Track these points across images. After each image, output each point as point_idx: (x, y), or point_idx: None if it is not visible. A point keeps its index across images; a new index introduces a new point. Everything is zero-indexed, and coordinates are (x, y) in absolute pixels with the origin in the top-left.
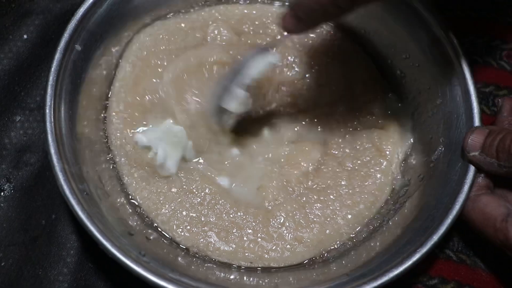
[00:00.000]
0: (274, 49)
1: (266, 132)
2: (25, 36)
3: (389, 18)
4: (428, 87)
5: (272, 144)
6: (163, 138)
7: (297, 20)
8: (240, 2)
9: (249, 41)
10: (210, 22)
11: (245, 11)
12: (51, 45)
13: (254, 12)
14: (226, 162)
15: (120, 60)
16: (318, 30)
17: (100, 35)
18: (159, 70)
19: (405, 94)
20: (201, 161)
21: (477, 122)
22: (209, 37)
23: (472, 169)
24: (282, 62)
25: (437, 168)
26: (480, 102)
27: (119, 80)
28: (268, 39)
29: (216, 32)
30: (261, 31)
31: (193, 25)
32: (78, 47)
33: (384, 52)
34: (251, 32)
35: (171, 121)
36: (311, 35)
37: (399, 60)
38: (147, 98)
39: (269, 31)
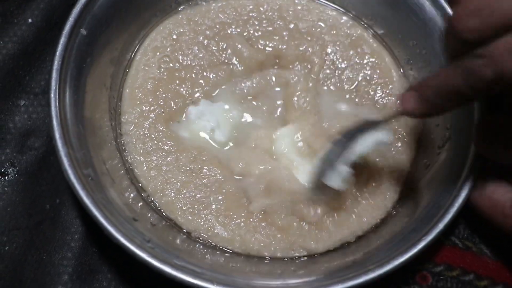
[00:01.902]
0: (386, 124)
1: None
2: (29, 20)
3: (398, 5)
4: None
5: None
6: (214, 112)
7: (423, 102)
8: None
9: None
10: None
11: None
12: (56, 29)
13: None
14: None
15: (130, 53)
16: (326, 19)
17: (105, 19)
18: (178, 56)
19: (412, 82)
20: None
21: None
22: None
23: (479, 156)
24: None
25: (443, 155)
26: None
27: (133, 68)
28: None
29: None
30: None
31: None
32: (83, 31)
33: (392, 39)
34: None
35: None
36: (320, 23)
37: (407, 47)
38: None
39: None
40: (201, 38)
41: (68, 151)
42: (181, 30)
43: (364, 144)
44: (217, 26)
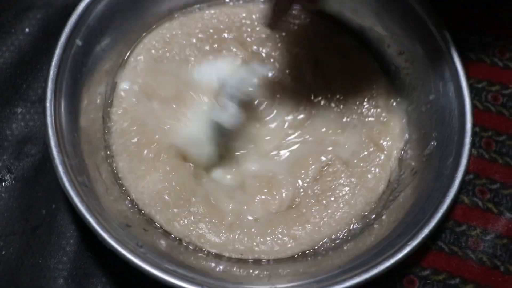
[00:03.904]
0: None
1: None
2: (27, 30)
3: (384, 14)
4: (421, 83)
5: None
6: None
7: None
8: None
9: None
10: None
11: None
12: (52, 38)
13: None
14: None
15: (123, 57)
16: (315, 26)
17: (100, 30)
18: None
19: (399, 90)
20: None
21: (469, 117)
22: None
23: (463, 163)
24: (273, 71)
25: (429, 162)
26: (473, 98)
27: (124, 80)
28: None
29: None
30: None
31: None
32: (78, 42)
33: (379, 48)
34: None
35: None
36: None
37: (393, 56)
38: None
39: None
40: (194, 40)
41: (63, 159)
42: (173, 33)
43: (242, 78)
44: (210, 31)
